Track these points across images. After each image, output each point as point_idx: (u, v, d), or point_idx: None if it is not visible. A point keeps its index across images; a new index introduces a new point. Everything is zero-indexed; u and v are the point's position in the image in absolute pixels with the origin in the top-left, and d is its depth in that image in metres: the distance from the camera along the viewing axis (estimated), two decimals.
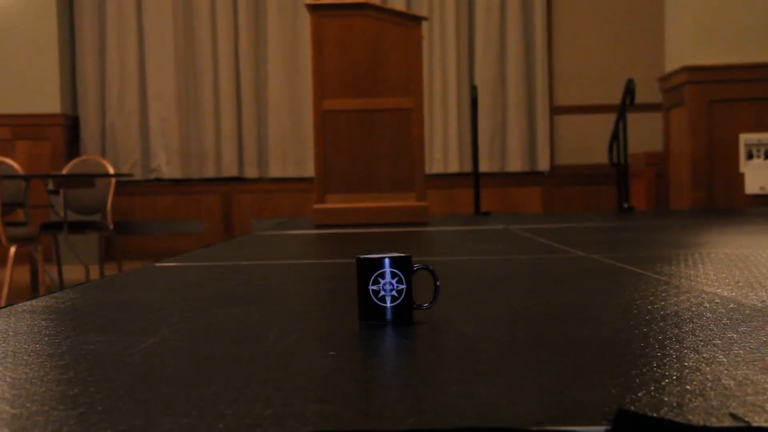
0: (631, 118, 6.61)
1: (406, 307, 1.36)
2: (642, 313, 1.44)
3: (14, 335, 1.30)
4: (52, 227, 6.26)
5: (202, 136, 8.22)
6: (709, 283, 1.79)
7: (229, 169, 8.24)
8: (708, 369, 1.00)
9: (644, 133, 7.45)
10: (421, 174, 4.76)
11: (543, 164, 8.08)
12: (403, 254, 1.38)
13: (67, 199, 6.26)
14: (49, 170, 7.62)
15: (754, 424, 0.77)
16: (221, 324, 1.44)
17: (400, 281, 1.35)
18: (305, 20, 7.46)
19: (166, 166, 8.24)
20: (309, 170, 7.92)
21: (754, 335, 1.20)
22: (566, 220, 5.10)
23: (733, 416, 0.79)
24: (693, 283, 1.80)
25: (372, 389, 0.97)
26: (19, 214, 6.21)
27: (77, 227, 6.31)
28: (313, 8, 4.76)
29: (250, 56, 8.20)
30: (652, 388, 0.91)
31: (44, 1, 7.94)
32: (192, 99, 8.26)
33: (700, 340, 1.18)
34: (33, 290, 5.97)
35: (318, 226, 4.62)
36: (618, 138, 6.38)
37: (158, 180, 8.27)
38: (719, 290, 1.63)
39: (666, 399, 0.86)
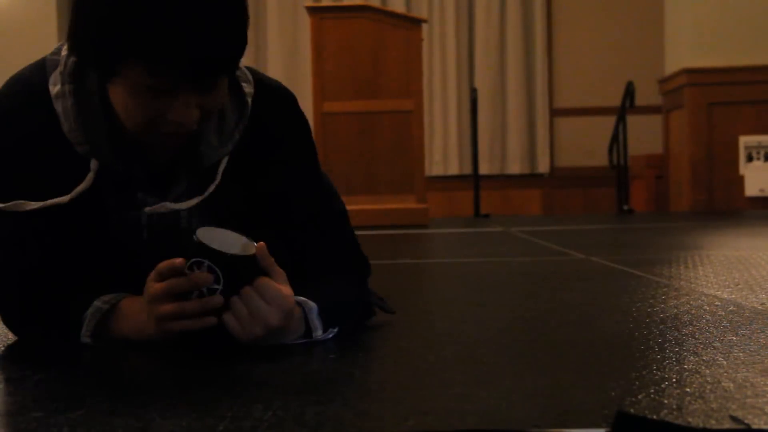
0: (631, 120, 6.59)
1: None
2: (641, 315, 1.44)
3: (13, 338, 1.30)
4: None
5: None
6: (709, 285, 1.79)
7: None
8: (708, 371, 1.00)
9: (644, 136, 7.43)
10: (420, 176, 4.76)
11: (543, 166, 8.08)
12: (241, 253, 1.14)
13: None
14: None
15: (754, 426, 0.77)
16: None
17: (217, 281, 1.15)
18: (305, 22, 7.46)
19: None
20: None
21: (753, 338, 1.20)
22: (566, 222, 5.10)
23: (733, 419, 0.79)
24: (693, 285, 1.80)
25: (371, 391, 0.97)
26: None
27: None
28: (313, 10, 4.76)
29: (250, 58, 8.21)
30: (652, 390, 0.91)
31: (44, 2, 7.94)
32: None
33: (700, 343, 1.18)
34: None
35: None
36: (618, 140, 6.38)
37: None
38: (719, 292, 1.63)
39: (666, 401, 0.86)
